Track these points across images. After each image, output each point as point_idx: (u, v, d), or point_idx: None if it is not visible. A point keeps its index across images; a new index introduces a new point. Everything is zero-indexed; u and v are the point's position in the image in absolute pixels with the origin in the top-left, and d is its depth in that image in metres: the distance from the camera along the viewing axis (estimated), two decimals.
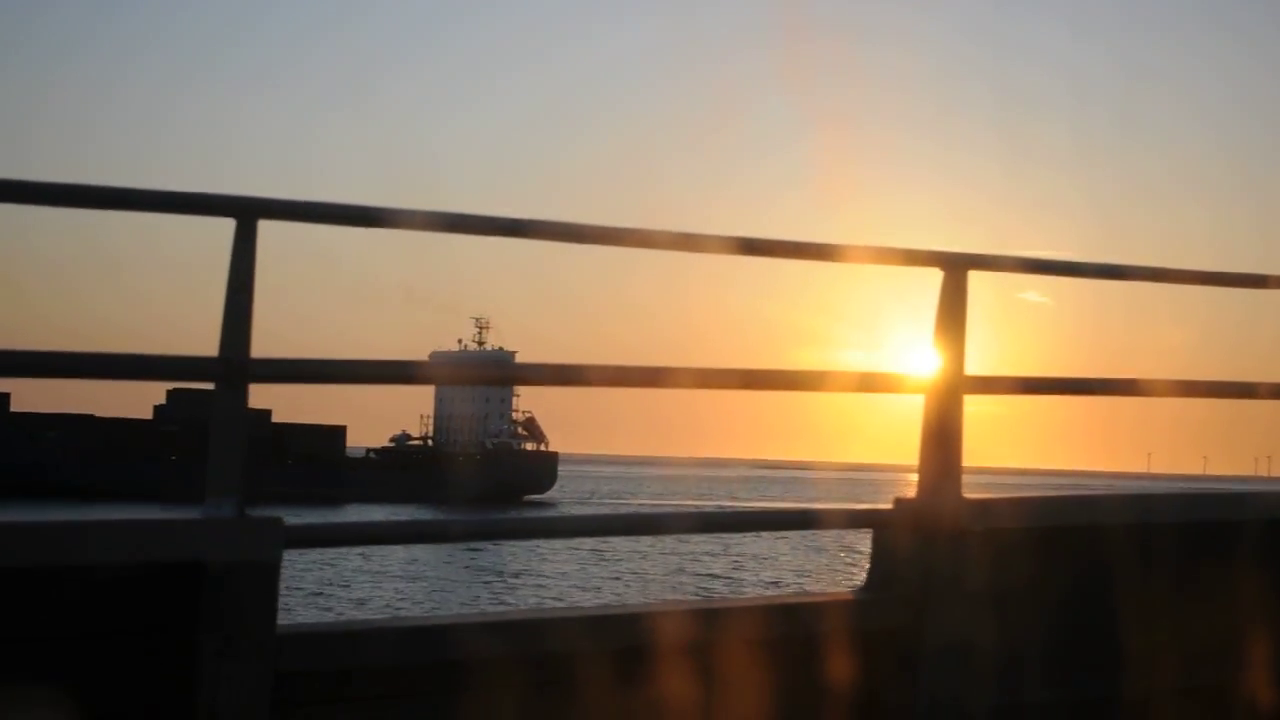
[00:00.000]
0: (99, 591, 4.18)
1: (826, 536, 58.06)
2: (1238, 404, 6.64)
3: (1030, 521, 5.82)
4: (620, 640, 5.01)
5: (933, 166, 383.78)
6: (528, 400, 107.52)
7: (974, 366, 5.64)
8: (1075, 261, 6.42)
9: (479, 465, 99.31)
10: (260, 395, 4.51)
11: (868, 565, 5.71)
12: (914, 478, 5.62)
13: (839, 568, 52.31)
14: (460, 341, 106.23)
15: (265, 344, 4.46)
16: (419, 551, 52.09)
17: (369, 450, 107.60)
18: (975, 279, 5.61)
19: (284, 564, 4.42)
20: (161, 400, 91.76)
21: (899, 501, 5.62)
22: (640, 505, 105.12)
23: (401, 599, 41.75)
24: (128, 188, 4.29)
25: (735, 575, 49.37)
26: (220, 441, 4.40)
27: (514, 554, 54.04)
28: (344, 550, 42.54)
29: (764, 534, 54.40)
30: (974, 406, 5.64)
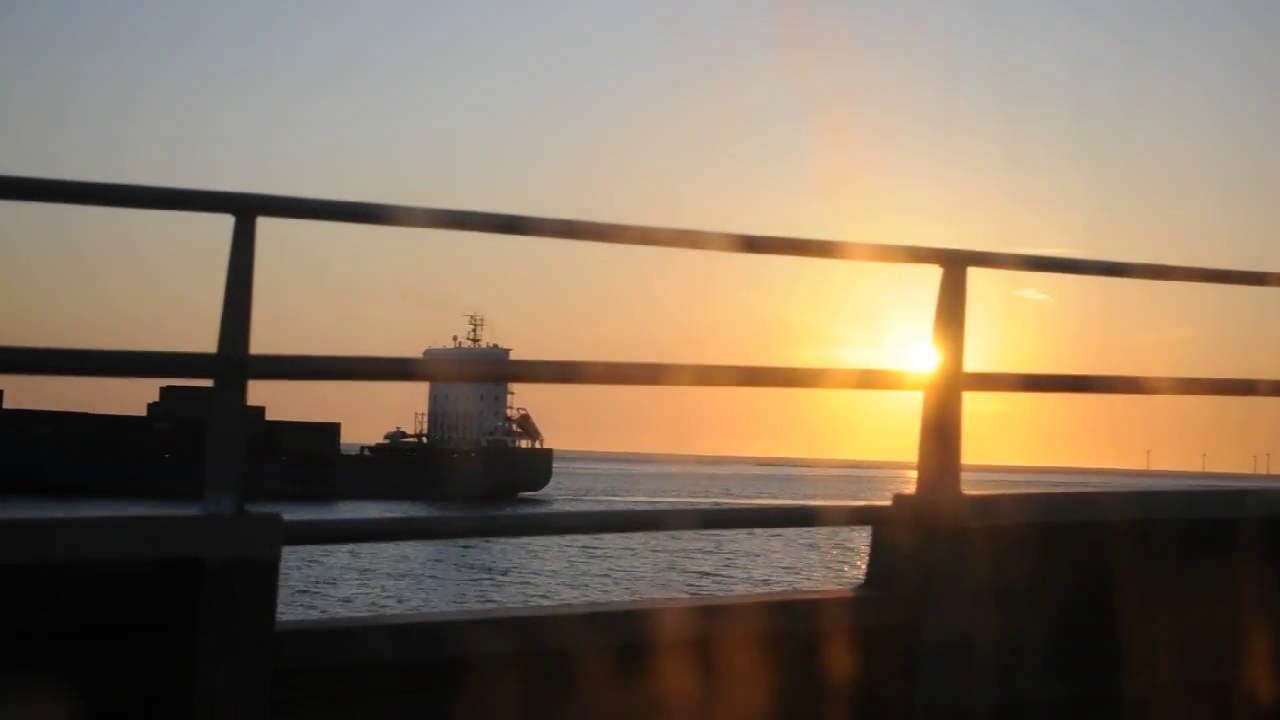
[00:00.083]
0: (98, 588, 4.17)
1: (821, 534, 58.01)
2: (1237, 401, 6.63)
3: (1030, 518, 5.81)
4: (620, 637, 5.00)
5: (933, 152, 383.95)
6: (521, 398, 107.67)
7: (973, 363, 5.64)
8: (1075, 259, 6.42)
9: (474, 462, 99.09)
10: (253, 393, 4.50)
11: (865, 562, 5.70)
12: (913, 475, 5.61)
13: (831, 564, 52.32)
14: (455, 338, 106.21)
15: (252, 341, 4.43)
16: (409, 548, 51.90)
17: (364, 447, 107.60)
18: (974, 276, 5.61)
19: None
20: (155, 398, 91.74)
21: (899, 498, 5.62)
22: (635, 502, 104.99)
23: (388, 595, 41.66)
24: (126, 185, 4.27)
25: (725, 573, 49.27)
26: (219, 438, 4.38)
27: (504, 551, 54.00)
28: (331, 547, 42.45)
29: (758, 532, 54.37)
30: (973, 404, 5.64)
